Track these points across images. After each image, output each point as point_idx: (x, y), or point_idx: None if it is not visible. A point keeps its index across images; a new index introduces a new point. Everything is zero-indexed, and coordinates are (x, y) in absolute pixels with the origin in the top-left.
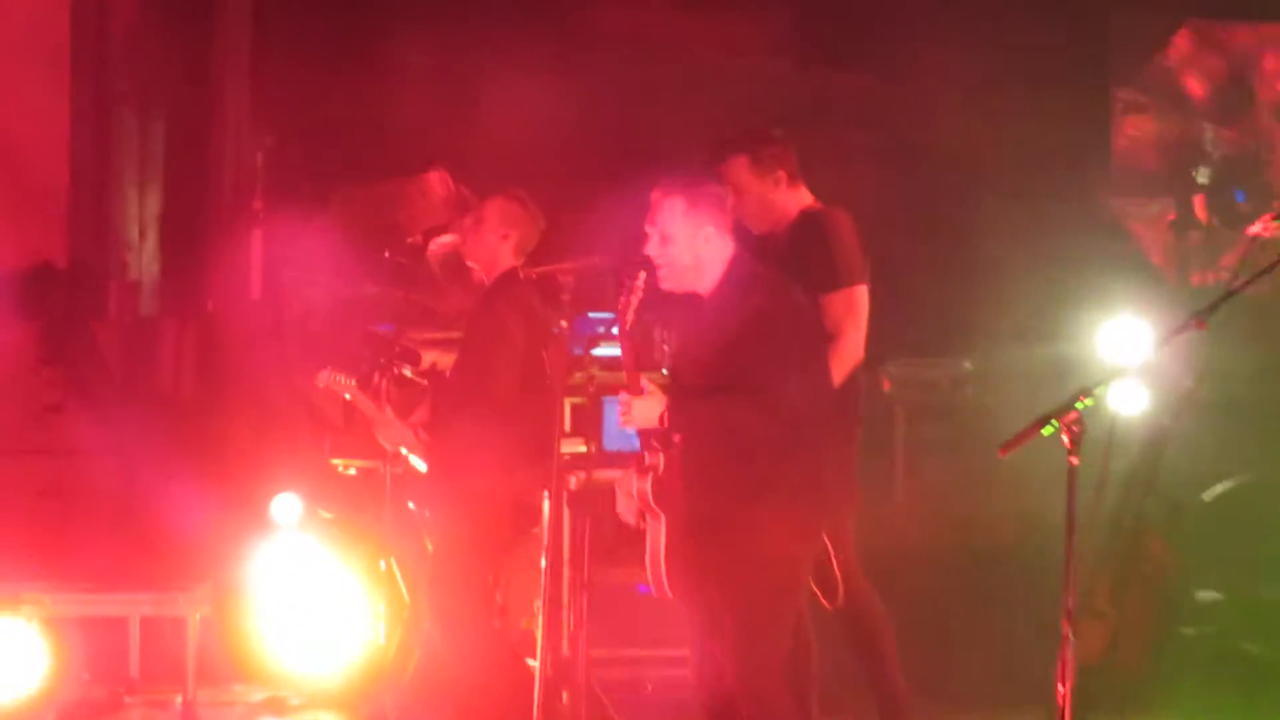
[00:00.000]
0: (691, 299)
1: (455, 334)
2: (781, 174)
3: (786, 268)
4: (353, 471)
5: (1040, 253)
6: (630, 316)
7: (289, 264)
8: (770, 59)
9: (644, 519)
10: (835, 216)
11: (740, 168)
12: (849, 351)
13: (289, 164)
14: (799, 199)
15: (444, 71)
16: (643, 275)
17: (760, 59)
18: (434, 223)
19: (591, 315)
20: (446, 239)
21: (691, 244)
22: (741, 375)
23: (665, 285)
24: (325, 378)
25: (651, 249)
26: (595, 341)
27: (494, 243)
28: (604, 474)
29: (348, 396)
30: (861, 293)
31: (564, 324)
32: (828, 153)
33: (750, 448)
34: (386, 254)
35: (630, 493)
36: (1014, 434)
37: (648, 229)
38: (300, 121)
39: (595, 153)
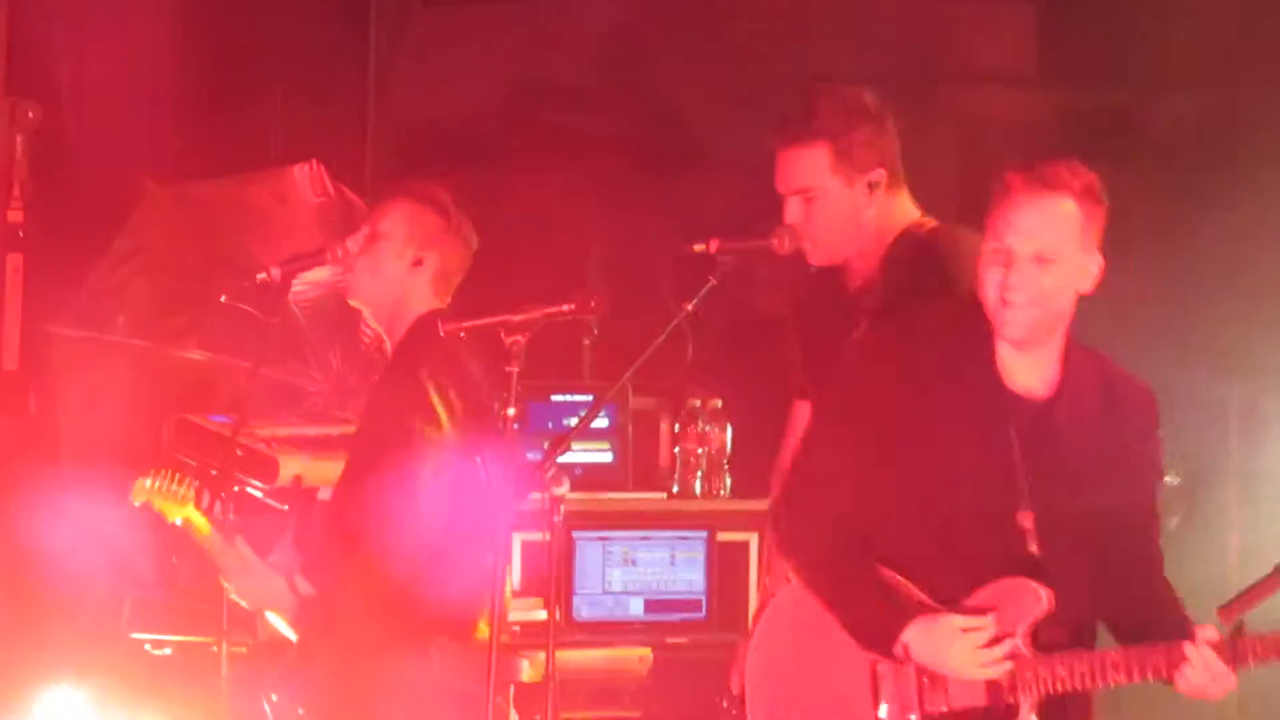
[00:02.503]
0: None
1: (335, 428)
2: (880, 173)
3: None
4: (168, 651)
5: None
6: None
7: (66, 313)
8: None
9: None
10: (961, 241)
11: (816, 162)
12: None
13: (68, 150)
14: (900, 212)
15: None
16: None
17: None
18: (300, 247)
19: (558, 398)
20: (320, 274)
21: (1076, 277)
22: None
23: (1009, 333)
24: (150, 486)
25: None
26: (564, 442)
27: (398, 273)
28: (575, 656)
29: (178, 521)
30: None
31: (511, 412)
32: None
33: None
34: (223, 298)
35: None
36: (1244, 588)
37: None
38: (84, 84)
39: (576, 122)
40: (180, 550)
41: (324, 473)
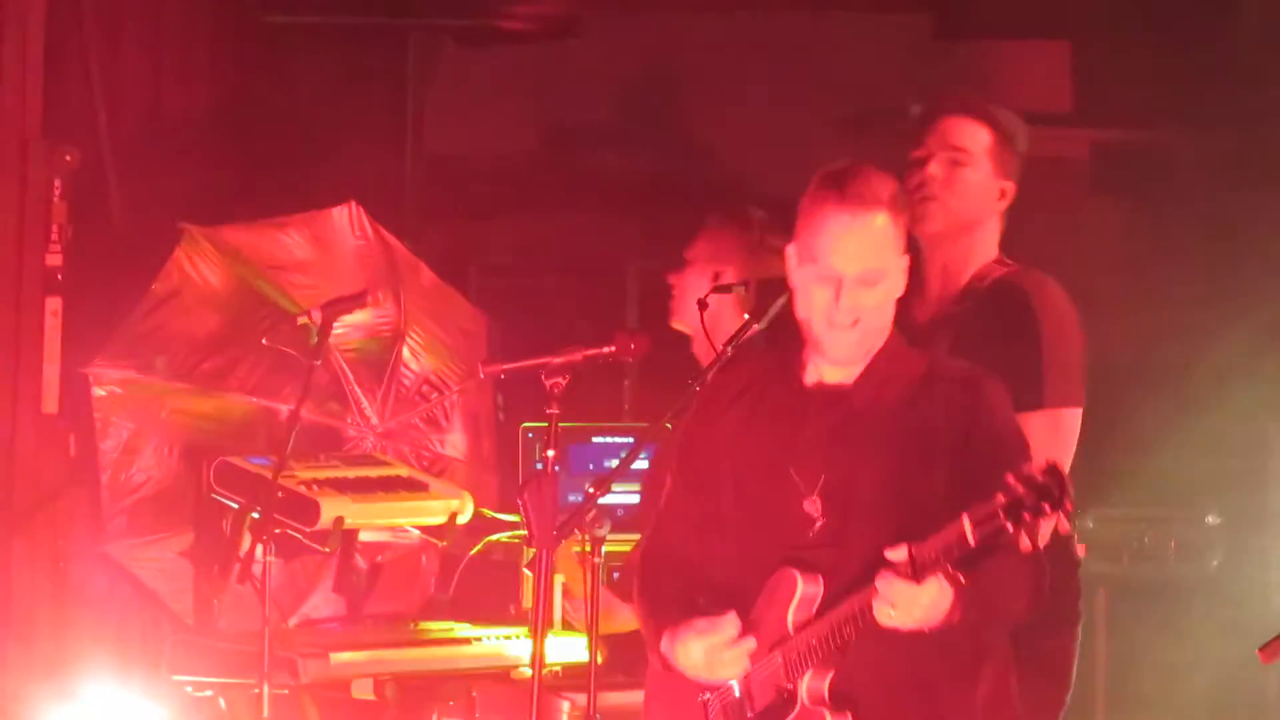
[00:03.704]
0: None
1: (375, 471)
2: (1012, 188)
3: None
4: (209, 693)
5: None
6: None
7: (105, 356)
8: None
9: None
10: (1045, 290)
11: (979, 136)
12: None
13: (106, 193)
14: (991, 243)
15: (371, 38)
16: None
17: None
18: (339, 290)
19: (599, 440)
20: (361, 317)
21: (896, 286)
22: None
23: (839, 355)
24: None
25: (858, 292)
26: (605, 484)
27: (700, 292)
28: (617, 698)
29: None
30: (1075, 419)
31: (551, 454)
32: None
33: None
34: (264, 340)
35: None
36: None
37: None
38: (121, 127)
39: (613, 161)
40: (221, 593)
41: (365, 515)
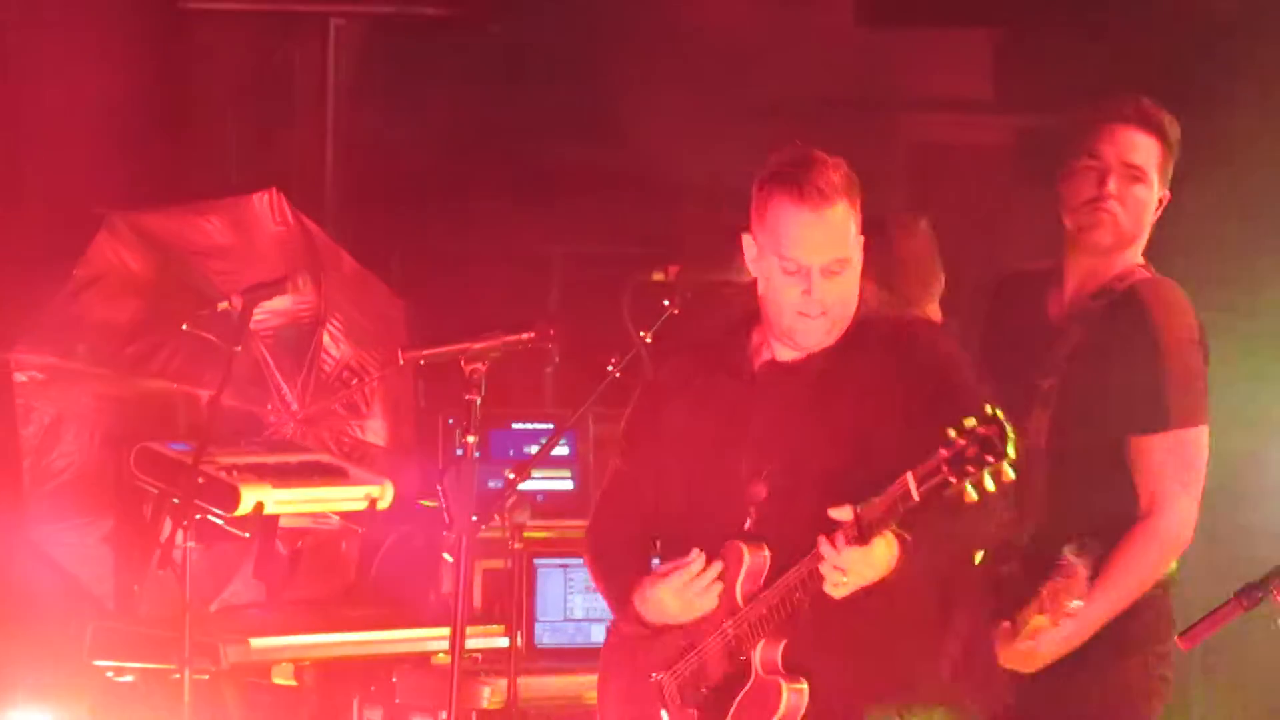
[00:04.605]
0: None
1: (295, 457)
2: (1167, 195)
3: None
4: (130, 678)
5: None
6: None
7: (26, 342)
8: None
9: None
10: (1165, 305)
11: (1151, 150)
12: (1172, 536)
13: (25, 180)
14: (1139, 246)
15: (292, 24)
16: None
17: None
18: (260, 276)
19: (519, 426)
20: (281, 303)
21: (858, 265)
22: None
23: (811, 341)
24: None
25: None
26: (524, 469)
27: None
28: (537, 683)
29: None
30: (1201, 437)
31: (471, 439)
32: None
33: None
34: (184, 326)
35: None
36: (1201, 616)
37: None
38: (40, 112)
39: (536, 150)
40: (141, 578)
41: (285, 501)
